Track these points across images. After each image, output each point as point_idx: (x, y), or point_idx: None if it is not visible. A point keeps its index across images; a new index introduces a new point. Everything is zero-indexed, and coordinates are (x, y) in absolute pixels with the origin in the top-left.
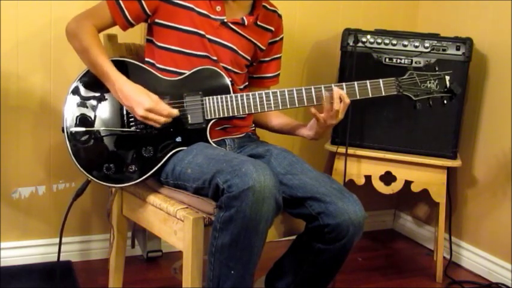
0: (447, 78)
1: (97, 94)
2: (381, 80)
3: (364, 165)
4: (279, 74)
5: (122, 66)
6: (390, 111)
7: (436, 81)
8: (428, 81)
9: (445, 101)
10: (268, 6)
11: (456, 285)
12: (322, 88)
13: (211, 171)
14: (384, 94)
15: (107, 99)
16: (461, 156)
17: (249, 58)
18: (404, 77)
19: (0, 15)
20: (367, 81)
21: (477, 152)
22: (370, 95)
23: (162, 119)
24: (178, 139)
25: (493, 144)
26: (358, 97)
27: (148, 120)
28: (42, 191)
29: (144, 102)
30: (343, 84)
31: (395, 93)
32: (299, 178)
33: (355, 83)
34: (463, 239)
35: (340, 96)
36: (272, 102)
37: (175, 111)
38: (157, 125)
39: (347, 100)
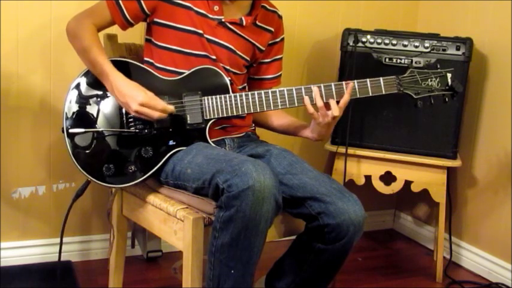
0: (449, 75)
1: (96, 94)
2: (381, 78)
3: (364, 165)
4: (280, 76)
5: (121, 66)
6: (390, 111)
7: (438, 79)
8: (429, 79)
9: (447, 99)
10: (268, 7)
11: (456, 285)
12: (322, 86)
13: (211, 171)
14: (384, 92)
15: (106, 99)
16: (461, 156)
17: (247, 58)
18: (405, 75)
19: (0, 15)
20: (367, 80)
21: (477, 152)
22: (371, 94)
23: (156, 114)
24: (178, 139)
25: (493, 144)
26: (358, 96)
27: (142, 114)
28: (42, 191)
29: (137, 97)
30: (343, 83)
31: (395, 91)
32: (299, 178)
33: (355, 81)
34: (463, 239)
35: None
36: (271, 101)
37: (170, 107)
38: (151, 119)
39: (346, 97)
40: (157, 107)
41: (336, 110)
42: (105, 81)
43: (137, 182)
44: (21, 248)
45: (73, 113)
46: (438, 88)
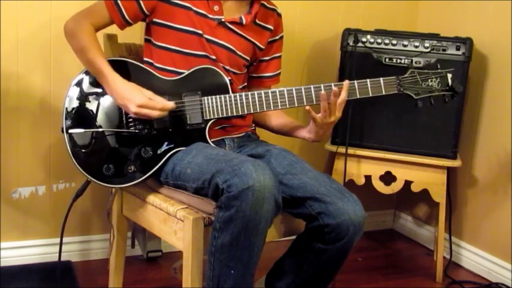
0: (449, 76)
1: (97, 92)
2: (381, 79)
3: (364, 165)
4: (279, 74)
5: (121, 66)
6: (390, 111)
7: (438, 79)
8: (429, 80)
9: (447, 99)
10: (268, 5)
11: (456, 285)
12: (322, 87)
13: (211, 171)
14: (384, 93)
15: (106, 98)
16: (461, 156)
17: (247, 58)
18: (405, 76)
19: (0, 15)
20: (368, 80)
21: (477, 152)
22: (371, 94)
23: (156, 113)
24: (177, 139)
25: (493, 144)
26: (358, 96)
27: (141, 115)
28: (42, 191)
29: (135, 99)
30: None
31: (396, 92)
32: (299, 178)
33: (355, 81)
34: (463, 239)
35: (334, 92)
36: (271, 101)
37: (170, 104)
38: (151, 119)
39: (343, 95)
40: (156, 106)
41: (343, 95)
42: (103, 82)
43: (137, 182)
44: (21, 248)
45: (73, 110)
46: (438, 88)
